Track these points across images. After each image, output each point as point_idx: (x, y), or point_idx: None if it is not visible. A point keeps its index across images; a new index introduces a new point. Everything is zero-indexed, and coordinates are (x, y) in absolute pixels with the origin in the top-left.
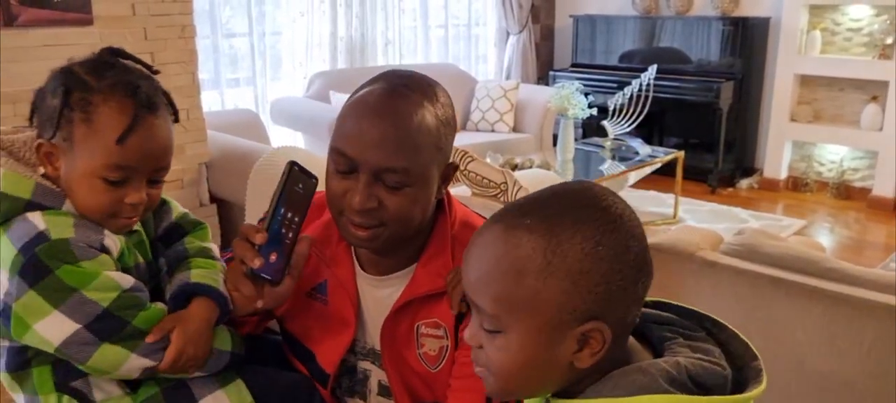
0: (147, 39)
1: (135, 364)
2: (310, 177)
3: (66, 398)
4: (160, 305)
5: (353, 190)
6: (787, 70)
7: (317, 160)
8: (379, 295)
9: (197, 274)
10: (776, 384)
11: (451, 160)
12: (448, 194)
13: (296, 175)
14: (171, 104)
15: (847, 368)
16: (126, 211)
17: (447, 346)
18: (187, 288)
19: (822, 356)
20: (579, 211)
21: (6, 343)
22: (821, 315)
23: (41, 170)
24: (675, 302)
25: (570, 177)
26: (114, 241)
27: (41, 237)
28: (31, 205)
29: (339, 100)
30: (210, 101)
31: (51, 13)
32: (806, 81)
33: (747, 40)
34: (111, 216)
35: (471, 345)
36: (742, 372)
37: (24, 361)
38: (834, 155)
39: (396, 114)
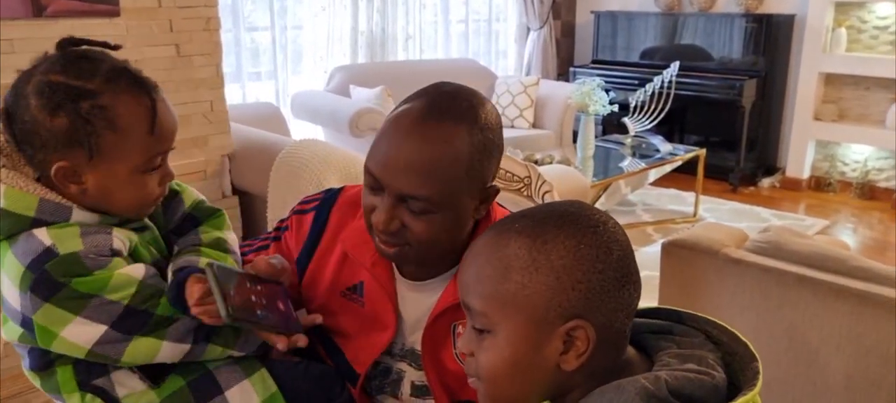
0: (172, 31)
1: (170, 351)
2: (229, 265)
3: (89, 396)
4: None
5: (380, 208)
6: (811, 68)
7: (338, 153)
8: (417, 298)
9: (205, 262)
10: (800, 382)
11: (490, 183)
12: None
13: (217, 272)
14: None
15: (873, 367)
16: (157, 192)
17: None
18: (187, 272)
19: (847, 355)
20: (564, 218)
21: (30, 344)
22: (847, 313)
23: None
24: (676, 309)
25: (590, 174)
26: (122, 242)
27: (49, 253)
28: (37, 222)
29: (359, 94)
30: (231, 95)
31: (79, 4)
32: (831, 80)
33: (771, 38)
34: (149, 203)
35: (465, 354)
36: (744, 374)
37: (47, 361)
38: (858, 155)
39: (424, 141)
